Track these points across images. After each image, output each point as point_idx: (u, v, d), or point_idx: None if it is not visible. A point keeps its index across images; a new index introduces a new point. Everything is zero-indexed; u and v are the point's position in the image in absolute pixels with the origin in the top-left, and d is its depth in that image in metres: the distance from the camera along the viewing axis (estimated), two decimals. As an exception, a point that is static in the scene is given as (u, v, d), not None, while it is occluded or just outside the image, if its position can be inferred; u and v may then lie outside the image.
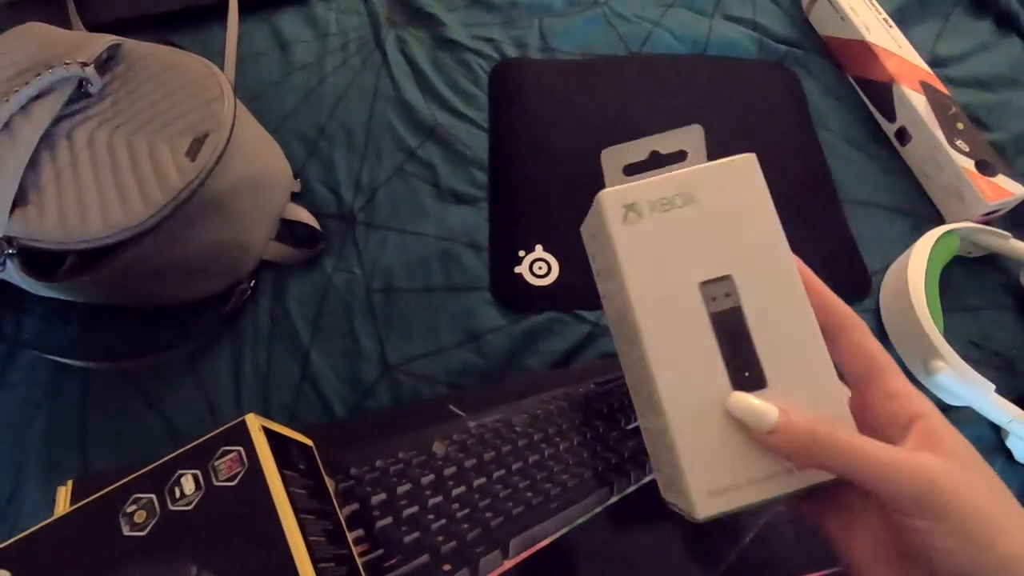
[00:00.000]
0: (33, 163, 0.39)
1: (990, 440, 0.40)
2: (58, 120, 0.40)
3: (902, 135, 0.51)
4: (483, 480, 0.35)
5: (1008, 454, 0.39)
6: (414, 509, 0.34)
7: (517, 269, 0.46)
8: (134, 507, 0.27)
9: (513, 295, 0.45)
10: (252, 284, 0.45)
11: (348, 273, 0.46)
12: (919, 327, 0.39)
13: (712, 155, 0.54)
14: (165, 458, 0.28)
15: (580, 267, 0.46)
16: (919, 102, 0.50)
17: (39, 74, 0.40)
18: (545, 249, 0.46)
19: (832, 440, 0.22)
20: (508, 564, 0.33)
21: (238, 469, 0.27)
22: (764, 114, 0.54)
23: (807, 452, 0.22)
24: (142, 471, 0.28)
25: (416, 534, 0.33)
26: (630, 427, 0.37)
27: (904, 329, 0.41)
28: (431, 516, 0.34)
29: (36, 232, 0.37)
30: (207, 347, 0.43)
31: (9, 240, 0.38)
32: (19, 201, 0.38)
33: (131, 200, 0.37)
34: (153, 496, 0.27)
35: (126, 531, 0.26)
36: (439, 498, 0.35)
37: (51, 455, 0.40)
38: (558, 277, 0.45)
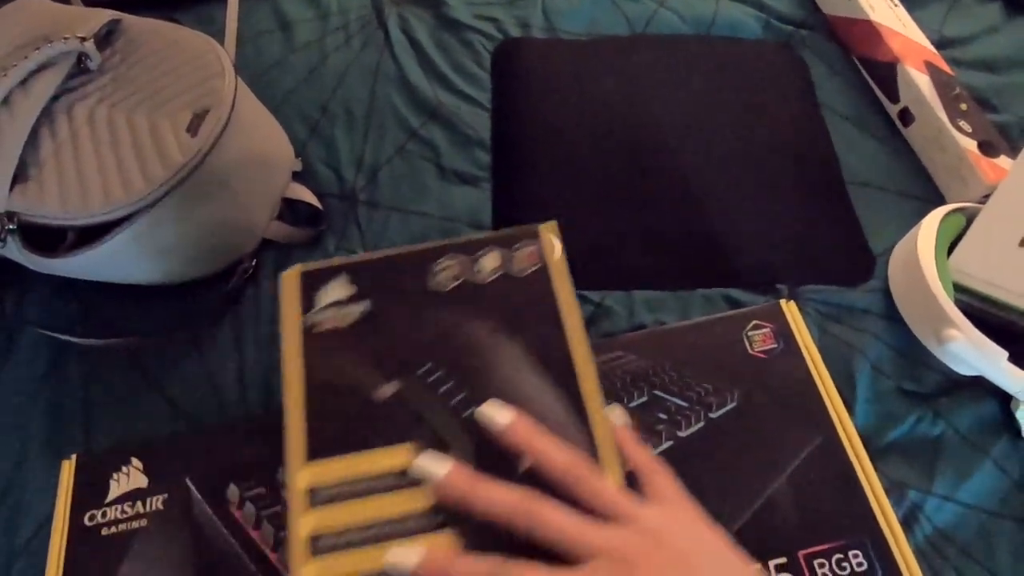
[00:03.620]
0: (33, 138, 0.38)
1: (997, 417, 0.40)
2: (58, 96, 0.40)
3: (905, 116, 0.51)
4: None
5: (1013, 432, 0.39)
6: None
7: (520, 249, 0.45)
8: (442, 267, 0.31)
9: (516, 274, 0.45)
10: (254, 263, 0.45)
11: (350, 252, 0.46)
12: (931, 297, 0.39)
13: (718, 134, 0.54)
14: (471, 236, 0.33)
15: (583, 247, 0.46)
16: (923, 82, 0.49)
17: (38, 48, 0.39)
18: (548, 229, 0.46)
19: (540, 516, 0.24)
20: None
21: (534, 263, 0.32)
22: (769, 95, 0.54)
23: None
24: (453, 241, 0.32)
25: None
26: (632, 405, 0.37)
27: (915, 302, 0.41)
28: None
29: (36, 208, 0.37)
30: (209, 326, 0.43)
31: (10, 216, 0.37)
32: (19, 176, 0.38)
33: (132, 176, 0.37)
34: (461, 262, 0.32)
35: (437, 281, 0.31)
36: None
37: (54, 430, 0.40)
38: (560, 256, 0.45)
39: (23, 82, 0.39)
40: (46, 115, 0.39)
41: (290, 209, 0.47)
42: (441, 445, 0.27)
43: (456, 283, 0.31)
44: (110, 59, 0.42)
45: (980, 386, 0.40)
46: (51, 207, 0.37)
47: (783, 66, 0.55)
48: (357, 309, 0.30)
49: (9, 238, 0.38)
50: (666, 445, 0.36)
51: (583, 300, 0.44)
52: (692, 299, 0.44)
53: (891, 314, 0.43)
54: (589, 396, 0.28)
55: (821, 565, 0.32)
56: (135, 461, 0.35)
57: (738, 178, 0.49)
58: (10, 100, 0.38)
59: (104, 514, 0.34)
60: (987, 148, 0.47)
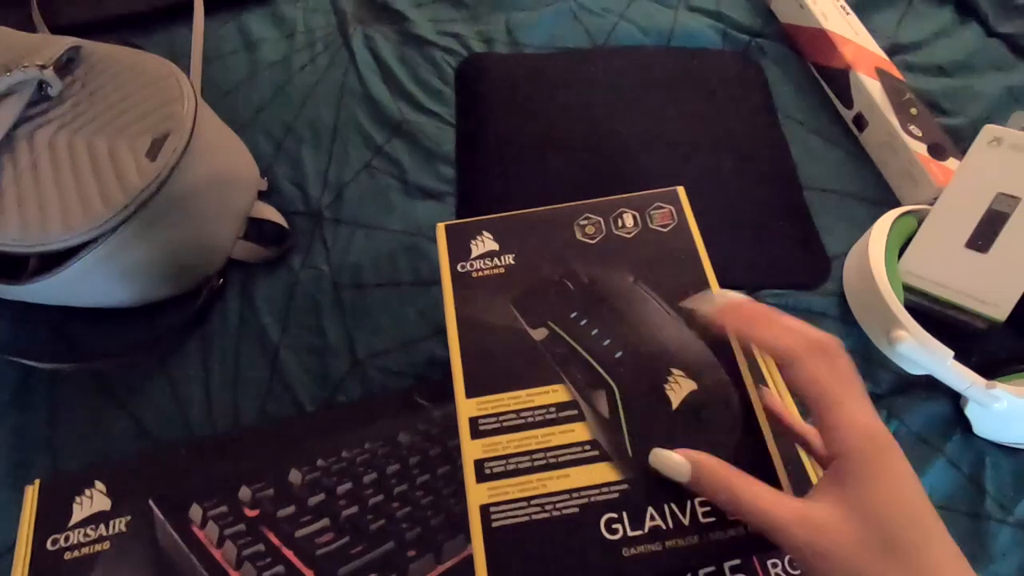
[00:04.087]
0: (-6, 167, 0.39)
1: (949, 415, 0.41)
2: (19, 123, 0.40)
3: (859, 121, 0.52)
4: (447, 467, 0.36)
5: (965, 427, 0.40)
6: (379, 498, 0.35)
7: (483, 261, 0.46)
8: (585, 222, 0.34)
9: (480, 287, 0.45)
10: (220, 283, 0.45)
11: (316, 270, 0.46)
12: (880, 299, 0.40)
13: (678, 143, 0.55)
14: (604, 199, 0.35)
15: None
16: (874, 88, 0.51)
17: (-3, 77, 0.40)
18: (511, 241, 0.47)
19: (739, 498, 0.24)
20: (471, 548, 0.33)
21: (669, 221, 0.34)
22: (728, 103, 0.55)
23: (720, 502, 0.25)
24: (593, 201, 0.35)
25: (381, 522, 0.34)
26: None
27: (867, 304, 0.42)
28: (396, 504, 0.35)
29: (-3, 235, 0.38)
30: (176, 347, 0.44)
31: (-29, 244, 0.38)
32: (-20, 205, 0.38)
33: (91, 202, 0.38)
34: (600, 219, 0.34)
35: (578, 236, 0.34)
36: (404, 486, 0.35)
37: (20, 456, 0.40)
38: (524, 268, 0.46)
39: (-16, 111, 0.39)
40: (7, 143, 0.40)
41: (256, 228, 0.47)
42: (592, 387, 0.29)
43: (601, 236, 0.33)
44: (71, 86, 0.42)
45: (932, 385, 0.41)
46: (11, 234, 0.37)
47: (741, 74, 0.56)
48: (506, 259, 0.33)
49: (-30, 265, 0.38)
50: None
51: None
52: (652, 307, 0.44)
53: (846, 316, 0.44)
54: (739, 356, 0.29)
55: None
56: (98, 484, 0.35)
57: (697, 185, 0.50)
58: (-29, 129, 0.39)
59: (67, 538, 0.34)
60: (937, 151, 0.48)
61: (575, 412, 0.29)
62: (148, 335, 0.44)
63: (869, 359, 0.43)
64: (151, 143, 0.39)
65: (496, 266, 0.33)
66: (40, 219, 0.37)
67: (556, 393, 0.29)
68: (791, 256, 0.47)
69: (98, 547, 0.34)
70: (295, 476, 0.35)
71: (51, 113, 0.41)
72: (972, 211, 0.42)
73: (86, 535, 0.34)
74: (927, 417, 0.41)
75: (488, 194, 0.49)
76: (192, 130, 0.40)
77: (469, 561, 0.33)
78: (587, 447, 0.28)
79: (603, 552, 0.26)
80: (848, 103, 0.53)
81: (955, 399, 0.41)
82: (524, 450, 0.28)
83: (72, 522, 0.34)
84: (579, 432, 0.28)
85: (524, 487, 0.27)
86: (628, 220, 0.34)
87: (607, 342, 0.30)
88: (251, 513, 0.34)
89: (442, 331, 0.44)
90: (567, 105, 0.54)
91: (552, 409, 0.29)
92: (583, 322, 0.31)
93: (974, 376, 0.37)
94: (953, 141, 0.49)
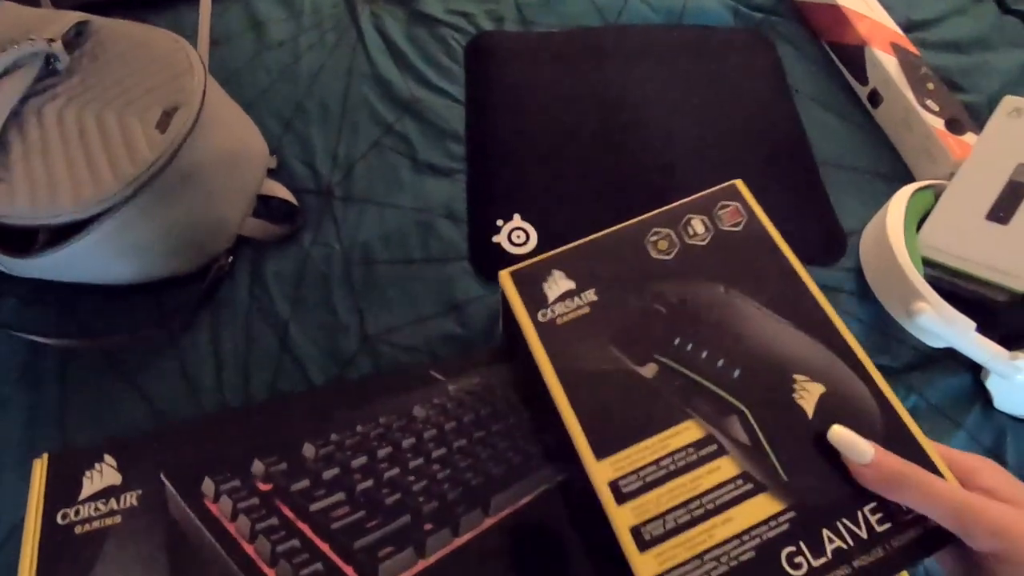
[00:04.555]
0: (2, 142, 0.38)
1: (969, 388, 0.40)
2: (27, 98, 0.40)
3: (874, 97, 0.51)
4: (463, 442, 0.35)
5: (986, 401, 0.40)
6: (395, 472, 0.34)
7: (495, 238, 0.46)
8: (656, 237, 0.32)
9: (492, 264, 0.45)
10: (230, 260, 0.45)
11: (326, 247, 0.46)
12: (900, 272, 0.39)
13: (690, 120, 0.54)
14: (663, 208, 0.33)
15: (558, 235, 0.46)
16: (890, 63, 0.50)
17: (4, 50, 0.39)
18: (523, 218, 0.46)
19: (921, 483, 0.24)
20: (489, 521, 0.33)
21: (739, 218, 0.32)
22: (741, 81, 0.54)
23: (896, 490, 0.25)
24: (656, 212, 0.33)
25: (397, 495, 0.33)
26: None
27: (885, 277, 0.42)
28: (412, 478, 0.34)
29: (6, 209, 0.37)
30: (186, 324, 0.43)
31: (-21, 218, 0.37)
32: (-11, 179, 0.38)
33: (102, 174, 0.37)
34: (670, 231, 0.32)
35: (653, 254, 0.32)
36: (419, 460, 0.35)
37: (31, 433, 0.39)
38: (536, 245, 0.45)
39: (-9, 84, 0.39)
40: (15, 117, 0.39)
41: (265, 206, 0.47)
42: (722, 415, 0.27)
43: (676, 249, 0.32)
44: (79, 60, 0.42)
45: (952, 358, 0.40)
46: (21, 207, 0.37)
47: (754, 52, 0.55)
48: (588, 296, 0.31)
49: (-21, 240, 0.38)
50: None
51: (559, 287, 0.44)
52: (667, 283, 0.44)
53: (863, 292, 0.44)
54: (855, 347, 0.28)
55: None
56: (108, 458, 0.35)
57: (711, 163, 0.50)
58: (-22, 102, 0.38)
59: (77, 512, 0.33)
60: (954, 126, 0.47)
61: (715, 447, 0.27)
62: (158, 313, 0.43)
63: (887, 333, 0.42)
64: (161, 116, 0.39)
65: (579, 306, 0.30)
66: (50, 192, 0.37)
67: (689, 431, 0.27)
68: (807, 232, 0.47)
69: (109, 521, 0.33)
70: (309, 450, 0.35)
71: (59, 88, 0.41)
72: (993, 182, 0.41)
73: (96, 509, 0.33)
74: (947, 391, 0.40)
75: (498, 173, 0.49)
76: (202, 103, 0.40)
77: (487, 535, 0.33)
78: (739, 481, 0.26)
79: None
80: (863, 79, 0.52)
81: (975, 372, 0.41)
82: (678, 503, 0.26)
83: (82, 496, 0.34)
84: (726, 468, 0.26)
85: (692, 544, 0.25)
86: (698, 226, 0.32)
87: (721, 363, 0.28)
88: (264, 487, 0.34)
89: (454, 308, 0.43)
90: (578, 83, 0.53)
91: (690, 450, 0.27)
92: (689, 347, 0.29)
93: (996, 347, 0.37)
94: (970, 117, 0.49)
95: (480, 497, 0.33)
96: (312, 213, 0.47)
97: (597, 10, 0.57)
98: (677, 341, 0.29)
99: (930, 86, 0.49)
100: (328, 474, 0.34)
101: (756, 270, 0.30)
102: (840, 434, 0.26)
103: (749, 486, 0.26)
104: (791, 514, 0.25)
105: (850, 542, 0.25)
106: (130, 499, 0.34)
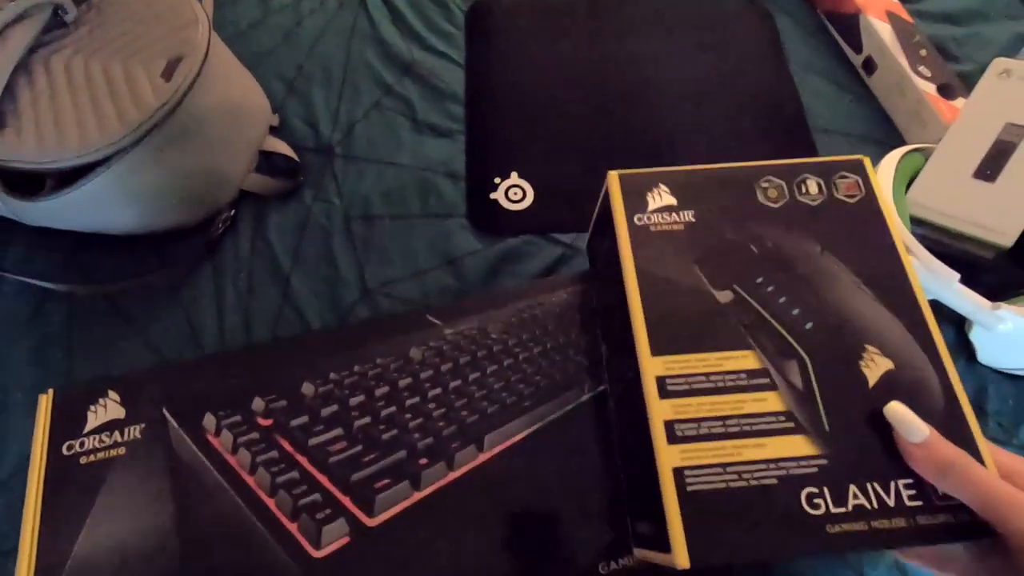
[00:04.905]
0: (10, 90, 0.39)
1: (952, 342, 0.41)
2: (35, 49, 0.41)
3: (869, 65, 0.52)
4: (458, 382, 0.36)
5: (969, 354, 0.41)
6: (391, 409, 0.35)
7: (493, 195, 0.46)
8: (767, 184, 0.32)
9: (489, 220, 0.46)
10: (233, 213, 0.46)
11: (327, 203, 0.47)
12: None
13: (687, 86, 0.55)
14: (786, 161, 0.33)
15: (555, 192, 0.47)
16: (884, 31, 0.51)
17: (13, 0, 0.40)
18: (520, 176, 0.47)
19: (969, 471, 0.24)
20: (483, 457, 0.34)
21: (856, 192, 0.32)
22: (737, 49, 0.55)
23: (942, 475, 0.25)
24: (773, 163, 0.33)
25: (393, 431, 0.34)
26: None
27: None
28: (408, 415, 0.35)
29: (14, 153, 0.38)
30: (190, 273, 0.44)
31: (-12, 162, 0.38)
32: (-3, 126, 0.38)
33: (108, 120, 0.38)
34: (783, 183, 0.32)
35: (759, 199, 0.32)
36: (415, 399, 0.35)
37: (37, 375, 0.40)
38: (533, 202, 0.46)
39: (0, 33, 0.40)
40: (23, 67, 0.40)
41: (268, 162, 0.48)
42: (783, 357, 0.28)
43: (784, 201, 0.32)
44: (86, 13, 0.43)
45: (936, 312, 0.41)
46: (29, 152, 0.38)
47: (750, 21, 0.56)
48: (687, 215, 0.32)
49: (-12, 184, 0.39)
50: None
51: (553, 242, 0.45)
52: (660, 239, 0.45)
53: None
54: (938, 339, 0.28)
55: None
56: (112, 394, 0.36)
57: (706, 127, 0.50)
58: (-13, 49, 0.39)
59: (82, 444, 0.34)
60: (946, 91, 0.48)
61: (767, 380, 0.27)
62: (161, 263, 0.44)
63: (876, 291, 0.43)
64: (166, 65, 0.40)
65: (676, 222, 0.31)
66: (57, 137, 0.38)
67: (746, 359, 0.28)
68: (799, 195, 0.48)
69: (113, 452, 0.34)
70: (308, 388, 0.36)
71: (66, 39, 0.42)
72: (981, 142, 0.42)
73: (101, 441, 0.35)
74: (933, 346, 0.41)
75: (497, 133, 0.50)
76: (206, 54, 0.41)
77: (480, 470, 0.33)
78: (781, 418, 0.27)
79: (806, 527, 0.25)
80: (857, 48, 0.53)
81: (959, 326, 0.41)
82: (717, 415, 0.27)
83: (87, 429, 0.35)
84: (772, 401, 0.27)
85: (719, 453, 0.26)
86: (812, 187, 0.32)
87: (796, 311, 0.29)
88: (264, 422, 0.35)
89: (451, 261, 0.44)
90: (576, 49, 0.54)
91: (743, 375, 0.28)
92: (770, 288, 0.29)
93: (979, 298, 0.37)
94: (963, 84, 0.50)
95: (474, 434, 0.34)
96: (313, 170, 0.48)
97: (597, -22, 0.58)
98: (760, 280, 0.30)
99: (923, 53, 0.50)
100: (326, 411, 0.35)
101: (859, 243, 0.30)
102: (898, 410, 0.26)
103: (790, 424, 0.27)
104: (823, 461, 0.26)
105: (874, 504, 0.25)
106: (134, 432, 0.35)
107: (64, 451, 0.34)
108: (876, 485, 0.25)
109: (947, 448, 0.25)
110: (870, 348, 0.28)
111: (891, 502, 0.25)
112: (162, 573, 0.31)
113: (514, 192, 0.46)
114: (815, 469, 0.26)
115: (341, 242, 0.45)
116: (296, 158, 0.47)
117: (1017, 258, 0.41)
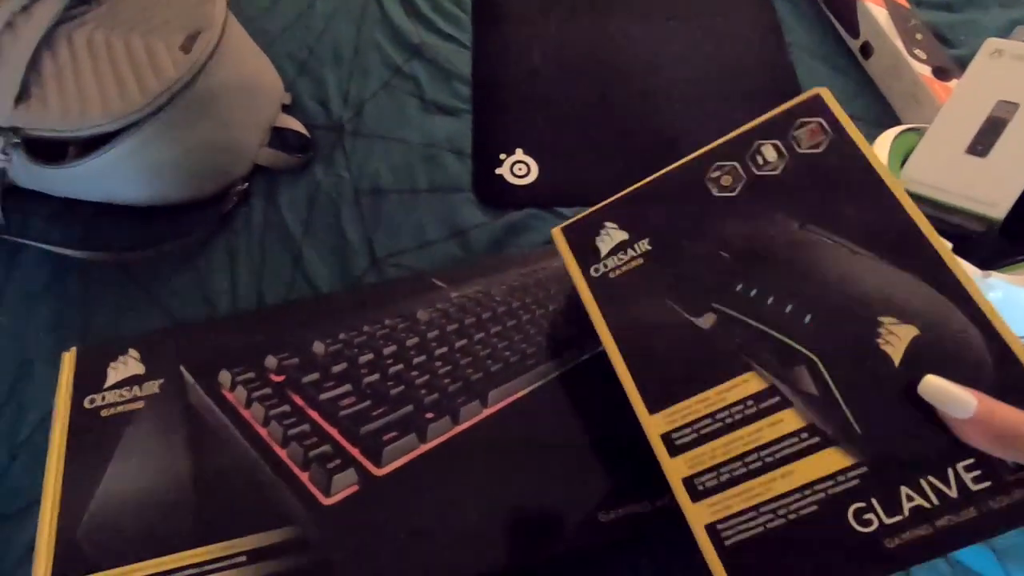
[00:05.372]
0: (35, 63, 0.41)
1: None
2: (59, 24, 0.42)
3: (866, 49, 0.53)
4: (464, 342, 0.37)
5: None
6: (399, 367, 0.36)
7: (498, 171, 0.48)
8: (718, 173, 0.28)
9: (494, 194, 0.47)
10: (246, 186, 0.47)
11: (337, 177, 0.48)
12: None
13: (688, 69, 0.56)
14: (738, 131, 0.29)
15: (558, 167, 0.48)
16: (880, 15, 0.52)
17: (39, -23, 0.42)
18: (525, 152, 0.48)
19: None
20: (487, 412, 0.35)
21: (821, 138, 0.27)
22: (737, 33, 0.56)
23: (1006, 444, 0.21)
24: (718, 143, 0.28)
25: (401, 387, 0.36)
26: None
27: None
28: (415, 372, 0.36)
29: (39, 122, 0.39)
30: (204, 244, 0.45)
31: (15, 130, 0.40)
32: (22, 96, 0.40)
33: (129, 89, 0.40)
34: (735, 163, 0.28)
35: (715, 192, 0.28)
36: (422, 357, 0.37)
37: (56, 337, 0.42)
38: (537, 177, 0.48)
39: (25, 8, 0.41)
40: (47, 41, 0.42)
41: (280, 138, 0.49)
42: (788, 365, 0.25)
43: (742, 183, 0.28)
44: (107, -10, 0.44)
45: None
46: (53, 120, 0.39)
47: (750, 6, 0.57)
48: (641, 247, 0.29)
49: (13, 152, 0.40)
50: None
51: (557, 216, 0.46)
52: (661, 213, 0.46)
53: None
54: (964, 279, 0.24)
55: None
56: (132, 351, 0.37)
57: (705, 107, 0.52)
58: (13, 23, 0.41)
59: (103, 398, 0.36)
60: (941, 73, 0.49)
61: (777, 399, 0.25)
62: (177, 233, 0.46)
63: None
64: (185, 39, 0.41)
65: (633, 257, 0.29)
66: (80, 106, 0.39)
67: (747, 384, 0.25)
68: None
69: (133, 406, 0.36)
70: (318, 347, 0.37)
71: (89, 15, 0.43)
72: (973, 119, 0.43)
73: (121, 395, 0.36)
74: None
75: (503, 112, 0.51)
76: (223, 29, 0.42)
77: (485, 424, 0.35)
78: (804, 435, 0.24)
79: (860, 548, 0.22)
80: (855, 33, 0.54)
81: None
82: (734, 455, 0.25)
83: (108, 384, 0.36)
84: (789, 420, 0.24)
85: (748, 495, 0.24)
86: (769, 153, 0.28)
87: (789, 308, 0.25)
88: (277, 378, 0.36)
89: (457, 233, 0.46)
90: (580, 33, 0.55)
91: (749, 403, 0.25)
92: (753, 293, 0.26)
93: (972, 267, 0.38)
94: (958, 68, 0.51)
95: (479, 390, 0.35)
96: (324, 146, 0.50)
97: (601, -34, 0.59)
98: (739, 287, 0.27)
99: (919, 36, 0.51)
100: (336, 368, 0.37)
101: (841, 198, 0.26)
102: (934, 385, 0.22)
103: (815, 439, 0.24)
104: (862, 469, 0.23)
105: (934, 501, 0.22)
106: (152, 387, 0.36)
107: (86, 404, 0.36)
108: (932, 479, 0.22)
109: (1005, 412, 0.21)
110: (885, 320, 0.24)
111: (953, 493, 0.22)
112: (178, 520, 0.32)
113: (519, 168, 0.48)
114: (856, 481, 0.23)
115: (351, 214, 0.46)
116: (307, 134, 0.49)
117: (1007, 231, 0.42)
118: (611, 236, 0.29)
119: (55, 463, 0.34)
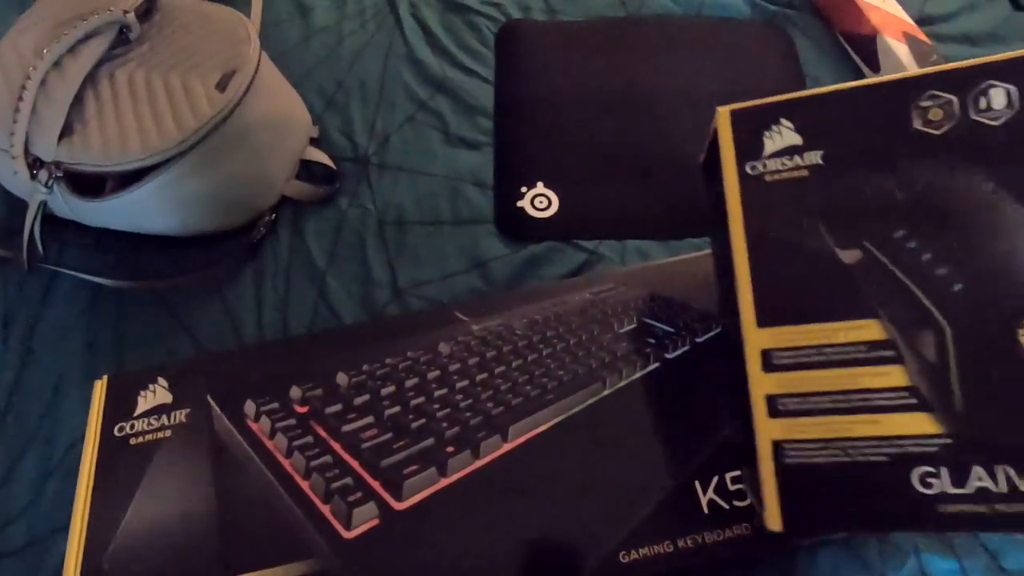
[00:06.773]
0: (78, 100, 0.43)
1: None
2: (102, 63, 0.44)
3: (887, 83, 0.53)
4: (485, 375, 0.38)
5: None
6: (420, 399, 0.37)
7: (519, 203, 0.49)
8: (930, 103, 0.25)
9: (515, 227, 0.48)
10: (274, 217, 0.49)
11: (362, 208, 0.49)
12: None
13: (709, 108, 0.57)
14: (967, 62, 0.25)
15: (579, 200, 0.49)
16: (901, 51, 0.52)
17: (85, 19, 0.44)
18: (546, 185, 0.49)
19: None
20: (507, 447, 0.35)
21: None
22: (757, 71, 0.57)
23: None
24: (940, 69, 0.25)
25: (422, 420, 0.36)
26: (622, 330, 0.39)
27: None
28: (436, 406, 0.37)
29: (81, 157, 0.41)
30: (232, 273, 0.47)
31: (57, 164, 0.42)
32: (65, 133, 0.42)
33: (166, 126, 0.41)
34: (954, 99, 0.25)
35: (916, 125, 0.25)
36: (444, 390, 0.37)
37: (89, 363, 0.43)
38: (558, 210, 0.48)
39: (72, 49, 0.44)
40: (90, 80, 0.44)
41: (307, 170, 0.50)
42: (916, 326, 0.24)
43: (952, 124, 0.25)
44: (148, 31, 0.46)
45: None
46: (94, 155, 0.41)
47: (770, 43, 0.58)
48: (813, 157, 0.26)
49: (55, 185, 0.42)
50: (653, 366, 0.38)
51: (577, 248, 0.47)
52: (680, 247, 0.46)
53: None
54: None
55: None
56: (160, 380, 0.38)
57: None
58: (61, 63, 0.43)
59: (132, 426, 0.37)
60: (963, 108, 0.49)
61: (891, 353, 0.24)
62: (207, 263, 0.47)
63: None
64: (220, 78, 0.43)
65: (798, 167, 0.26)
66: (120, 142, 0.41)
67: (868, 329, 0.24)
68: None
69: (160, 435, 0.36)
70: (342, 378, 0.38)
71: (131, 54, 0.45)
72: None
73: (150, 424, 0.37)
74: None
75: (524, 146, 0.52)
76: (257, 68, 0.44)
77: (505, 459, 0.35)
78: (904, 393, 0.24)
79: (913, 503, 0.23)
80: (875, 68, 0.54)
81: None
82: (825, 390, 0.24)
83: (137, 412, 0.37)
84: (895, 376, 0.24)
85: (825, 428, 0.24)
86: (998, 99, 0.24)
87: (943, 271, 0.24)
88: (301, 409, 0.37)
89: (479, 265, 0.46)
90: (600, 68, 0.56)
91: (862, 348, 0.24)
92: (911, 244, 0.24)
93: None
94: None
95: (499, 425, 0.36)
96: (349, 178, 0.51)
97: (621, 2, 0.61)
98: (899, 234, 0.24)
99: (940, 71, 0.51)
100: (359, 400, 0.37)
101: None
102: None
103: (912, 401, 0.24)
104: (947, 440, 0.23)
105: (1002, 487, 0.22)
106: (179, 416, 0.37)
107: (116, 432, 0.37)
108: (1008, 469, 0.22)
109: None
110: None
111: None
112: (201, 548, 0.33)
113: (540, 201, 0.48)
114: (935, 448, 0.23)
115: (375, 246, 0.47)
116: (334, 167, 0.50)
117: None
118: (782, 136, 0.27)
119: (84, 489, 0.35)
